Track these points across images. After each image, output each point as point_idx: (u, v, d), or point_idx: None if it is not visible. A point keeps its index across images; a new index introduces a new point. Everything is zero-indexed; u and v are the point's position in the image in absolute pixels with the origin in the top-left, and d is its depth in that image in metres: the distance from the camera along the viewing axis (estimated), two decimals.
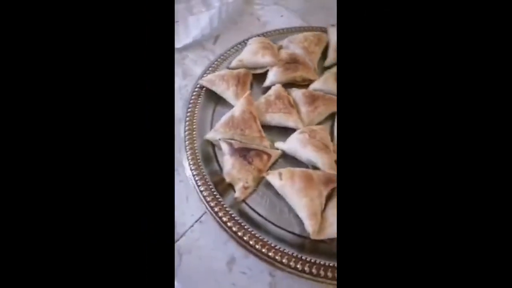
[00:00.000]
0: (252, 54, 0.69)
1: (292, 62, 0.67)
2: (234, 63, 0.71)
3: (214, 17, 0.82)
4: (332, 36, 0.75)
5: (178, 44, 0.79)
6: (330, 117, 0.64)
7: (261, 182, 0.55)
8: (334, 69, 0.68)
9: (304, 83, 0.69)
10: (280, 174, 0.52)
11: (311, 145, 0.54)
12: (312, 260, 0.46)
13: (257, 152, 0.54)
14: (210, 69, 0.71)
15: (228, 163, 0.55)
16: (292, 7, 0.91)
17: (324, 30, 0.78)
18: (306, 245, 0.50)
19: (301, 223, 0.50)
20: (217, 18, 0.82)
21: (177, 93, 0.71)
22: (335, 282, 0.45)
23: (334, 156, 0.55)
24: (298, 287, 0.48)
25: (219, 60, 0.73)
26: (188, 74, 0.76)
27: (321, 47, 0.73)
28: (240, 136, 0.57)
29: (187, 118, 0.63)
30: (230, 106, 0.64)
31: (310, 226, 0.48)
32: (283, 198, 0.52)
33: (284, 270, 0.47)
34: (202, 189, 0.53)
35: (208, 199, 0.52)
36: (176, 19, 0.81)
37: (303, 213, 0.49)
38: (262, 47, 0.69)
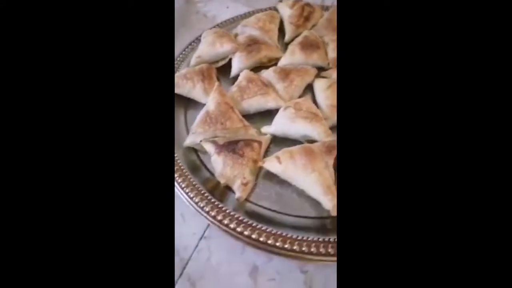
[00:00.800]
0: (210, 46, 0.63)
1: (253, 43, 0.62)
2: (193, 61, 0.64)
3: None
4: (283, 11, 0.72)
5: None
6: (308, 89, 0.60)
7: (259, 173, 0.49)
8: (297, 40, 0.65)
9: (271, 63, 0.65)
10: (278, 158, 0.46)
11: (300, 117, 0.49)
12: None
13: (245, 142, 0.48)
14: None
15: (219, 163, 0.48)
16: None
17: (273, 9, 0.76)
18: (328, 225, 0.44)
19: (316, 203, 0.45)
20: None
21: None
22: None
23: (327, 123, 0.51)
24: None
25: (177, 62, 0.67)
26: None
27: (276, 24, 0.70)
28: (223, 131, 0.51)
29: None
30: (201, 105, 0.58)
31: (328, 202, 0.42)
32: (289, 183, 0.47)
33: (316, 261, 0.41)
34: (197, 200, 0.46)
35: (208, 209, 0.45)
36: None
37: (315, 191, 0.43)
38: (217, 36, 0.64)
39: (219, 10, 0.85)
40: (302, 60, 0.62)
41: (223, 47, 0.63)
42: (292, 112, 0.50)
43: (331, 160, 0.45)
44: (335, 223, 0.43)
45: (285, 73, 0.58)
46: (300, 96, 0.58)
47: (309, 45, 0.62)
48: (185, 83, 0.58)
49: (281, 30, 0.72)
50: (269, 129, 0.53)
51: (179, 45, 0.72)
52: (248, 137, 0.50)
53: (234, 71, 0.62)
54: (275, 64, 0.64)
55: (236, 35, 0.69)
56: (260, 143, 0.49)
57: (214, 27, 0.72)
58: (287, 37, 0.69)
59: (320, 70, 0.63)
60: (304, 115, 0.49)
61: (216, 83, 0.57)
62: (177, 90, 0.59)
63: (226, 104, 0.52)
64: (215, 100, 0.53)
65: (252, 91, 0.55)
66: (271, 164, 0.47)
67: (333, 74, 0.60)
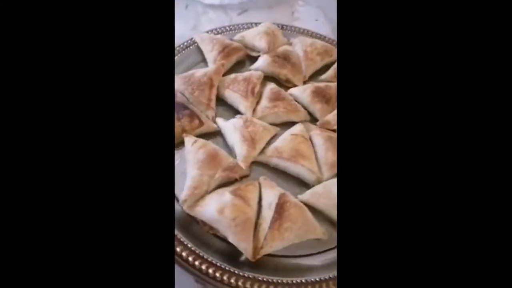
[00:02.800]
0: (254, 34, 0.68)
1: (282, 58, 0.65)
2: (237, 36, 0.71)
3: None
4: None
5: (205, 1, 0.82)
6: (285, 126, 0.60)
7: (181, 143, 0.55)
8: (319, 84, 0.64)
9: (287, 84, 0.67)
10: (195, 141, 0.51)
11: (240, 133, 0.53)
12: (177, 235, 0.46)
13: (191, 113, 0.54)
14: (216, 30, 0.73)
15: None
16: (332, 17, 0.88)
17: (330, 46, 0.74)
18: (182, 216, 0.49)
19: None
20: None
21: (177, 39, 0.74)
22: None
23: (254, 154, 0.53)
24: None
25: (228, 27, 0.74)
26: (197, 28, 0.78)
27: (324, 59, 0.69)
28: (189, 95, 0.58)
29: None
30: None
31: (183, 194, 0.47)
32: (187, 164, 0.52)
33: None
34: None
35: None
36: None
37: (188, 183, 0.48)
38: (264, 31, 0.68)
39: (307, 17, 0.87)
40: (305, 102, 0.63)
41: (260, 42, 0.67)
42: (240, 124, 0.54)
43: (219, 175, 0.48)
44: (188, 218, 0.47)
45: (277, 97, 0.60)
46: (274, 125, 0.60)
47: (319, 94, 0.62)
48: (207, 44, 0.65)
49: (327, 67, 0.71)
50: (220, 123, 0.57)
51: (248, 18, 0.79)
52: (197, 112, 0.55)
53: (254, 65, 0.67)
54: (290, 87, 0.66)
55: (289, 43, 0.72)
56: (202, 124, 0.54)
57: (279, 25, 0.76)
58: (323, 76, 0.68)
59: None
60: (244, 133, 0.53)
61: (222, 61, 0.63)
62: (201, 45, 0.67)
63: (210, 80, 0.58)
64: (207, 70, 0.60)
65: (238, 88, 0.59)
66: (188, 140, 0.52)
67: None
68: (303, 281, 0.44)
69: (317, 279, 0.45)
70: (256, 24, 0.75)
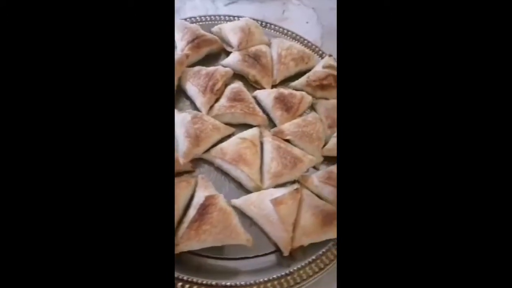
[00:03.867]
0: (230, 28, 0.67)
1: (253, 58, 0.63)
2: (215, 28, 0.69)
3: None
4: (318, 65, 0.68)
5: None
6: (243, 127, 0.59)
7: None
8: (283, 91, 0.62)
9: (255, 86, 0.66)
10: None
11: (185, 128, 0.52)
12: None
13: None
14: (194, 19, 0.71)
15: None
16: (324, 22, 0.84)
17: (321, 56, 0.72)
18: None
19: None
20: None
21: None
22: None
23: (196, 151, 0.52)
24: None
25: (209, 17, 0.72)
26: (178, 12, 0.77)
27: (299, 66, 0.67)
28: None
29: None
30: None
31: None
32: None
33: None
34: None
35: None
36: None
37: None
38: (240, 27, 0.66)
39: (297, 18, 0.84)
40: (268, 107, 0.61)
41: (234, 37, 0.65)
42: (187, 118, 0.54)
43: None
44: None
45: (233, 98, 0.58)
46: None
47: (281, 101, 0.60)
48: (181, 31, 0.64)
49: (303, 74, 0.68)
50: None
51: (233, 9, 0.77)
52: None
53: (224, 61, 0.65)
54: (254, 87, 0.65)
55: (268, 43, 0.70)
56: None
57: (263, 22, 0.73)
58: (295, 83, 0.67)
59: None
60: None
61: (188, 52, 0.61)
62: (176, 34, 0.65)
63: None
64: None
65: (197, 82, 0.58)
66: None
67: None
68: (227, 284, 0.45)
69: (241, 283, 0.46)
70: (239, 18, 0.73)
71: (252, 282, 0.46)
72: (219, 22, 0.72)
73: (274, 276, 0.47)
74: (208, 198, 0.46)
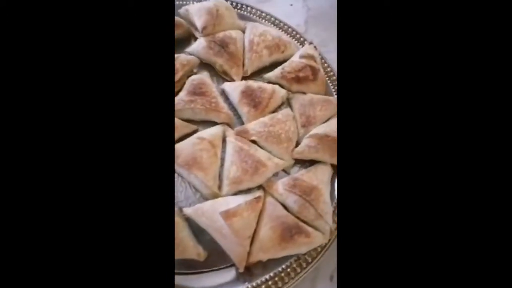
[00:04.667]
0: (198, 10, 0.59)
1: (220, 45, 0.56)
2: (182, 9, 0.61)
3: None
4: (295, 55, 0.60)
5: None
6: (208, 124, 0.53)
7: None
8: (252, 84, 0.55)
9: (224, 77, 0.59)
10: None
11: None
12: None
13: None
14: None
15: None
16: (311, 5, 0.75)
17: (301, 43, 0.64)
18: None
19: None
20: None
21: None
22: None
23: None
24: None
25: None
26: None
27: (273, 55, 0.59)
28: None
29: None
30: None
31: None
32: None
33: None
34: None
35: None
36: None
37: None
38: (207, 8, 0.58)
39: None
40: (235, 101, 0.55)
41: (200, 19, 0.57)
42: None
43: None
44: None
45: (196, 92, 0.52)
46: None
47: (248, 96, 0.53)
48: None
49: (278, 64, 0.61)
50: None
51: None
52: None
53: (189, 48, 0.58)
54: (226, 80, 0.58)
55: (242, 28, 0.62)
56: None
57: (236, 2, 0.65)
58: (269, 74, 0.59)
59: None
60: None
61: None
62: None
63: None
64: None
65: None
66: None
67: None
68: None
69: None
70: None
71: None
72: (188, 2, 0.64)
73: None
74: None
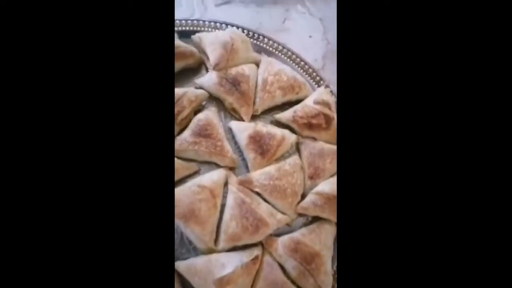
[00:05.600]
0: (211, 41, 0.55)
1: (231, 83, 0.52)
2: (195, 37, 0.58)
3: None
4: (309, 98, 0.57)
5: None
6: (211, 166, 0.51)
7: None
8: (261, 129, 0.52)
9: (233, 114, 0.56)
10: None
11: None
12: None
13: None
14: (176, 22, 0.60)
15: None
16: (330, 38, 0.72)
17: (317, 83, 0.61)
18: None
19: None
20: None
21: None
22: None
23: None
24: None
25: (191, 21, 0.60)
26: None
27: (286, 96, 0.56)
28: None
29: None
30: None
31: None
32: None
33: None
34: None
35: None
36: None
37: None
38: (223, 42, 0.54)
39: (300, 29, 0.70)
40: (241, 142, 0.52)
41: (213, 54, 0.53)
42: None
43: None
44: None
45: (200, 134, 0.49)
46: None
47: (256, 142, 0.50)
48: None
49: (291, 104, 0.58)
50: None
51: (227, 10, 0.66)
52: None
53: (199, 81, 0.55)
54: (235, 118, 0.55)
55: (257, 62, 0.59)
56: None
57: (254, 33, 0.61)
58: (280, 116, 0.55)
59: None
60: None
61: None
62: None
63: None
64: None
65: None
66: None
67: None
68: None
69: None
70: (227, 25, 0.61)
71: None
72: (202, 29, 0.61)
73: None
74: None
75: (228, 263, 0.42)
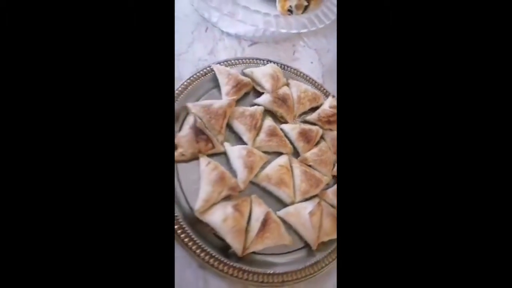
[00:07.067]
0: (262, 75, 0.84)
1: (281, 99, 0.82)
2: (247, 70, 0.86)
3: (263, 27, 0.96)
4: (325, 104, 0.90)
5: (223, 28, 0.93)
6: (277, 154, 0.79)
7: (194, 158, 0.70)
8: (304, 127, 0.83)
9: (281, 120, 0.85)
10: (208, 162, 0.67)
11: (242, 160, 0.70)
12: (187, 231, 0.62)
13: (207, 138, 0.70)
14: (230, 62, 0.87)
15: (184, 131, 0.70)
16: (324, 62, 1.06)
17: (326, 94, 0.94)
18: (191, 217, 0.66)
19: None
20: (263, 30, 0.96)
21: (194, 62, 0.86)
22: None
23: (251, 178, 0.71)
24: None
25: (241, 60, 0.88)
26: (213, 53, 0.91)
27: (312, 104, 0.89)
28: (206, 121, 0.73)
29: (185, 83, 0.79)
30: (219, 97, 0.80)
31: (197, 205, 0.64)
32: (199, 179, 0.68)
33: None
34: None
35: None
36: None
37: (201, 195, 0.65)
38: (271, 74, 0.84)
39: (304, 59, 1.03)
40: (293, 137, 0.81)
41: (266, 84, 0.83)
42: (243, 153, 0.71)
43: (224, 193, 0.66)
44: (196, 220, 0.65)
45: (272, 133, 0.78)
46: (265, 152, 0.78)
47: (303, 135, 0.81)
48: (224, 77, 0.80)
49: (313, 110, 0.90)
50: (227, 147, 0.74)
51: (255, 51, 0.95)
52: (212, 138, 0.71)
53: (257, 100, 0.83)
54: (282, 123, 0.84)
55: (287, 84, 0.89)
56: (213, 147, 0.71)
57: (282, 65, 0.92)
58: (308, 117, 0.87)
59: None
60: (245, 161, 0.70)
61: (234, 97, 0.78)
62: (218, 75, 0.81)
63: (224, 112, 0.74)
64: (222, 103, 0.75)
65: (244, 121, 0.75)
66: (203, 160, 0.69)
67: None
68: (271, 272, 0.65)
69: (281, 272, 0.66)
70: (263, 60, 0.91)
71: (289, 270, 0.67)
72: (248, 64, 0.88)
73: (307, 263, 0.69)
74: (267, 213, 0.65)
75: (307, 206, 0.71)
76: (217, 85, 0.83)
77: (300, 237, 0.71)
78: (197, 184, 0.68)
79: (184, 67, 0.85)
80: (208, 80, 0.83)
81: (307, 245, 0.71)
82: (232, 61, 0.87)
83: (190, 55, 0.88)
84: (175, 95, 0.77)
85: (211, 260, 0.61)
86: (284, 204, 0.74)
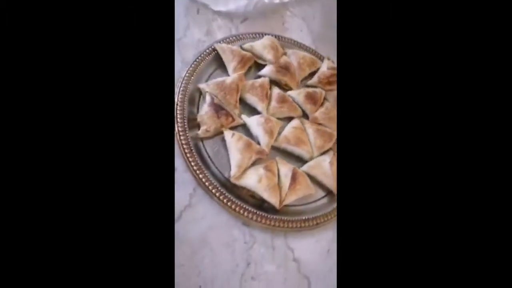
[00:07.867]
0: (262, 47, 0.89)
1: (284, 68, 0.88)
2: (246, 45, 0.90)
3: (252, 3, 1.00)
4: (323, 66, 0.97)
5: (214, 7, 0.96)
6: (287, 119, 0.86)
7: (218, 134, 0.76)
8: (309, 90, 0.90)
9: (285, 87, 0.91)
10: (233, 134, 0.73)
11: (262, 127, 0.77)
12: (229, 196, 0.69)
13: (226, 112, 0.75)
14: (228, 39, 0.90)
15: (204, 109, 0.75)
16: (312, 29, 1.11)
17: (321, 58, 1.00)
18: (228, 184, 0.72)
19: (230, 169, 0.73)
20: (253, 5, 0.99)
21: (194, 44, 0.89)
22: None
23: (272, 142, 0.78)
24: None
25: (238, 36, 0.92)
26: (210, 34, 0.94)
27: (311, 68, 0.95)
28: (222, 97, 0.78)
29: (192, 66, 0.82)
30: (226, 73, 0.84)
31: (233, 171, 0.71)
32: (227, 150, 0.74)
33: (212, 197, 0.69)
34: (179, 118, 0.73)
35: (180, 129, 0.72)
36: None
37: (233, 163, 0.71)
38: (270, 45, 0.89)
39: (294, 28, 1.08)
40: (300, 101, 0.88)
41: (268, 55, 0.88)
42: (262, 121, 0.78)
43: (254, 158, 0.73)
44: (232, 186, 0.72)
45: (282, 100, 0.84)
46: (279, 119, 0.84)
47: (309, 98, 0.88)
48: (229, 55, 0.84)
49: (312, 74, 0.97)
50: (245, 119, 0.80)
51: (249, 26, 0.98)
52: (231, 112, 0.77)
53: (261, 72, 0.89)
54: (287, 90, 0.90)
55: (284, 53, 0.94)
56: (233, 120, 0.76)
57: (278, 36, 0.97)
58: (309, 81, 0.94)
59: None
60: (265, 127, 0.77)
61: (243, 71, 0.83)
62: (222, 55, 0.85)
63: (237, 86, 0.79)
64: (234, 79, 0.80)
65: (256, 92, 0.82)
66: (227, 134, 0.75)
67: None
68: (305, 217, 0.74)
69: (309, 217, 0.75)
70: (259, 34, 0.95)
71: (314, 216, 0.76)
72: (245, 40, 0.92)
73: (329, 209, 0.78)
74: (294, 169, 0.73)
75: (325, 159, 0.80)
76: (220, 65, 0.87)
77: (322, 187, 0.81)
78: (224, 157, 0.74)
79: (187, 51, 0.88)
80: (211, 61, 0.87)
81: (328, 194, 0.80)
82: (230, 38, 0.91)
83: (189, 38, 0.91)
84: (186, 78, 0.81)
85: (254, 217, 0.69)
86: (303, 162, 0.82)
